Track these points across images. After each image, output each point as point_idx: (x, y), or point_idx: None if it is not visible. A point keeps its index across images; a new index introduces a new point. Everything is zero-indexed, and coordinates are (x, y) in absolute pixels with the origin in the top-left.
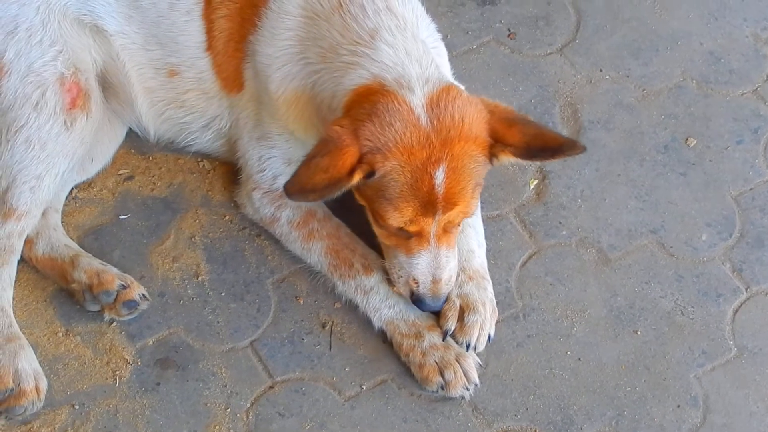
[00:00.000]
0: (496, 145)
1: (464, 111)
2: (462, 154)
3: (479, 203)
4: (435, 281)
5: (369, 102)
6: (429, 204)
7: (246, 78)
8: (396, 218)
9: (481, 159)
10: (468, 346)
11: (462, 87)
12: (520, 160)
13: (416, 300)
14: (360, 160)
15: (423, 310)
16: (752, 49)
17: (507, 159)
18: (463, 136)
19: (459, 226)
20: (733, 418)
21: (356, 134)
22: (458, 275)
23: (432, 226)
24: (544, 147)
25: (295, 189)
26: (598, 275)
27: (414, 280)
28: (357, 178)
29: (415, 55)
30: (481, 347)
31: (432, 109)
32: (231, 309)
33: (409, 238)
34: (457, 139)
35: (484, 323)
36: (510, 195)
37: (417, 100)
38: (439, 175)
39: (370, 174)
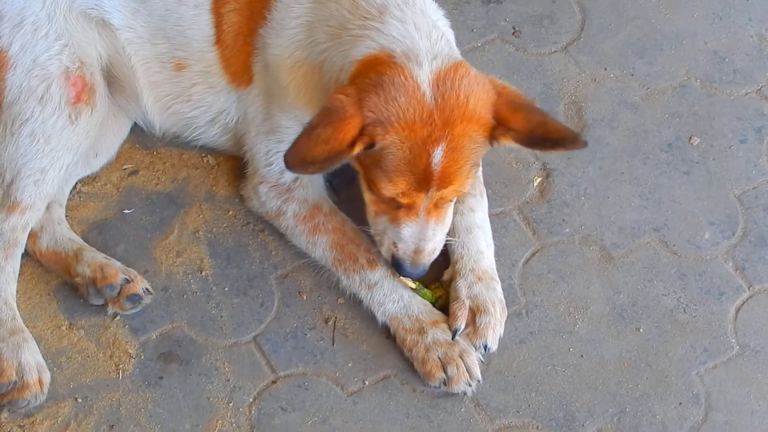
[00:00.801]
0: (498, 127)
1: (470, 90)
2: (463, 134)
3: (485, 201)
4: (417, 251)
5: (375, 72)
6: (424, 180)
7: (255, 72)
8: (389, 189)
9: (481, 140)
10: (486, 348)
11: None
12: (520, 146)
13: (396, 263)
14: (362, 132)
15: (401, 275)
16: (756, 48)
17: (507, 143)
18: (466, 116)
19: (452, 201)
20: (734, 415)
21: (360, 105)
22: (467, 276)
23: (424, 200)
24: (545, 137)
25: (295, 161)
26: (601, 273)
27: (395, 245)
28: (358, 149)
29: (425, 29)
30: (494, 347)
31: (438, 87)
32: (234, 304)
33: (398, 208)
34: (459, 119)
35: (496, 324)
36: (514, 192)
37: (424, 75)
38: (437, 154)
39: (370, 145)
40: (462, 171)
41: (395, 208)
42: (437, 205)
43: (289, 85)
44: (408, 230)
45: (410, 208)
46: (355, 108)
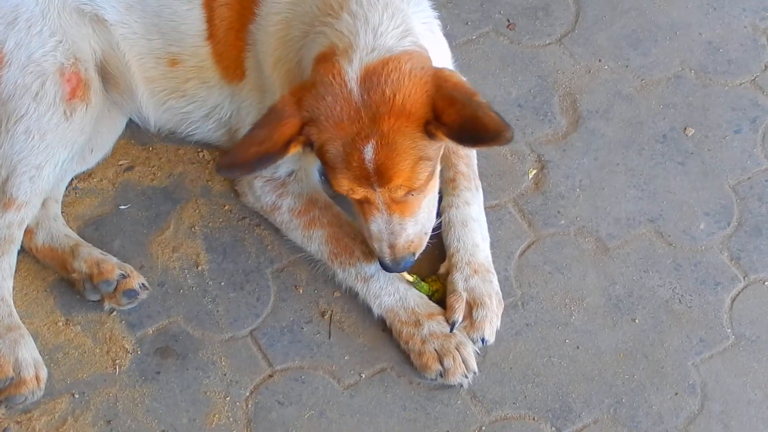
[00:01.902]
0: (432, 122)
1: (398, 86)
2: (393, 130)
3: (480, 194)
4: (391, 246)
5: (315, 70)
6: (362, 178)
7: (247, 67)
8: (337, 186)
9: (419, 135)
10: (483, 341)
11: (429, 53)
12: (455, 144)
13: (379, 261)
14: (300, 132)
15: (387, 272)
16: (751, 39)
17: (443, 139)
18: (393, 112)
19: (422, 193)
20: (730, 405)
21: (299, 104)
22: (464, 269)
23: (376, 195)
24: (473, 132)
25: (225, 162)
26: (596, 264)
27: (371, 242)
28: (294, 150)
29: (374, 23)
30: (492, 340)
31: (365, 83)
32: (231, 298)
33: (362, 203)
34: (386, 116)
35: (493, 317)
36: (509, 184)
37: (352, 72)
38: (369, 151)
39: (311, 145)
40: (401, 167)
41: (360, 203)
42: (396, 201)
43: (274, 81)
44: (375, 226)
45: (369, 203)
46: (294, 108)
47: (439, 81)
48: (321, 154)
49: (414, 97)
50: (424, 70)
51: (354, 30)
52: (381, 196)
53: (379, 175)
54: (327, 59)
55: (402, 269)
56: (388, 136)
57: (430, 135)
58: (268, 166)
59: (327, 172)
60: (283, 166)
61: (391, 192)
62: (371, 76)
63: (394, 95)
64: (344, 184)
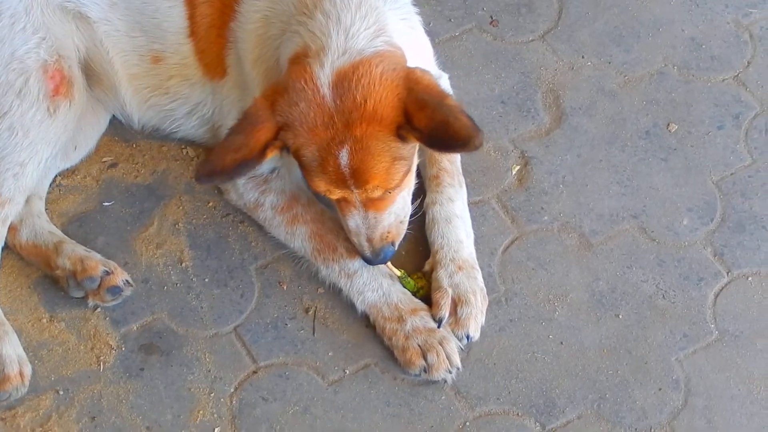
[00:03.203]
0: (404, 126)
1: (369, 91)
2: (366, 135)
3: (463, 191)
4: (369, 239)
5: (288, 73)
6: (339, 180)
7: (228, 64)
8: (315, 187)
9: (392, 138)
10: (468, 338)
11: (404, 49)
12: (426, 147)
13: (361, 256)
14: (275, 136)
15: (370, 265)
16: (733, 35)
17: (415, 142)
18: (365, 118)
19: (398, 189)
20: (714, 400)
21: (273, 109)
22: (448, 266)
23: (353, 196)
24: (444, 138)
25: (204, 170)
26: (580, 260)
27: (350, 237)
28: (270, 154)
29: (346, 23)
30: (477, 336)
31: (337, 88)
32: (215, 295)
33: (339, 201)
34: (358, 122)
35: (477, 313)
36: (492, 181)
37: (324, 77)
38: (344, 156)
39: (287, 148)
40: (377, 169)
41: (337, 201)
42: (372, 199)
43: (254, 79)
44: (353, 222)
45: (347, 202)
46: (268, 113)
47: (410, 84)
48: (297, 157)
49: (385, 102)
50: (395, 72)
51: (326, 31)
52: (358, 196)
53: (355, 178)
54: (298, 62)
55: (383, 260)
56: (361, 141)
57: (402, 138)
58: (247, 172)
59: (304, 174)
60: (266, 163)
61: (368, 193)
62: (342, 81)
63: (365, 101)
64: (321, 186)
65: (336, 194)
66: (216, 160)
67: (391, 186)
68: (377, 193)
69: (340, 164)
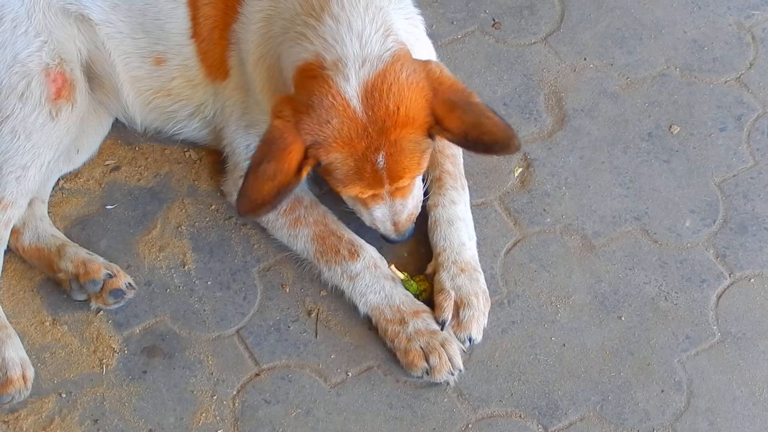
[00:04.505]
0: (434, 126)
1: (400, 98)
2: (400, 139)
3: (466, 193)
4: (395, 224)
5: (307, 88)
6: (375, 182)
7: (231, 66)
8: (347, 193)
9: (422, 136)
10: (471, 340)
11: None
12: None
13: (382, 237)
14: (306, 155)
15: (393, 244)
16: (735, 37)
17: (445, 142)
18: (399, 123)
19: (420, 174)
20: (716, 402)
21: (297, 128)
22: (450, 268)
23: (383, 191)
24: (479, 140)
25: (246, 206)
26: (582, 262)
27: (374, 224)
28: (306, 172)
29: (358, 28)
30: (479, 339)
31: (367, 100)
32: (217, 297)
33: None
34: (393, 128)
35: (480, 316)
36: (495, 183)
37: (352, 90)
38: (380, 160)
39: (317, 164)
40: (410, 165)
41: (362, 198)
42: (400, 188)
43: (255, 80)
44: (379, 212)
45: (375, 196)
46: (293, 134)
47: (434, 84)
48: (329, 169)
49: (416, 105)
50: (417, 74)
51: (338, 38)
52: (388, 188)
53: (390, 176)
54: (316, 74)
55: (407, 238)
56: (396, 144)
57: (432, 137)
58: (288, 197)
59: (333, 185)
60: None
61: (402, 185)
62: (372, 92)
63: (398, 108)
64: (356, 191)
65: (368, 193)
66: (254, 193)
67: (418, 173)
68: (409, 182)
69: (377, 168)
